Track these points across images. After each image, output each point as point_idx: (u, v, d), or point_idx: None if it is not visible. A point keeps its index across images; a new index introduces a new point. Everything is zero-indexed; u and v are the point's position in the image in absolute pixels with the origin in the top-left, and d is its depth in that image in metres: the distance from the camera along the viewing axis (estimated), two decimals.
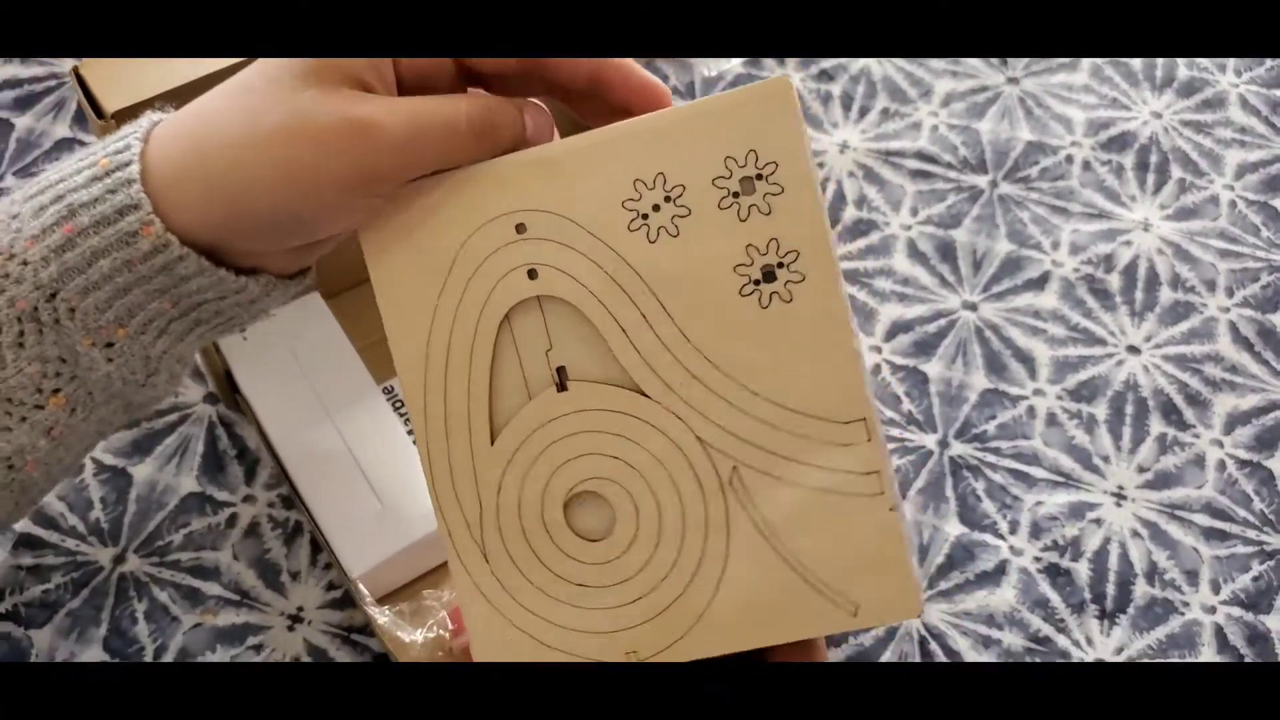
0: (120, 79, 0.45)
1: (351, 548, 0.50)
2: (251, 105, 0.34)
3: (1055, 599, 0.55)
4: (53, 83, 0.70)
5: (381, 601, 0.51)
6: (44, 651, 0.51)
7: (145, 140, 0.35)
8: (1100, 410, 0.60)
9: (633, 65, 0.36)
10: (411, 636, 0.50)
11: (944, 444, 0.59)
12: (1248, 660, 0.53)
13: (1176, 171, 0.70)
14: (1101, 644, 0.53)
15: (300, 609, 0.53)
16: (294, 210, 0.34)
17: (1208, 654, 0.53)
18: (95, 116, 0.44)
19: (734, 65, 0.72)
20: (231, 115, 0.34)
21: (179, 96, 0.45)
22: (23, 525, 0.55)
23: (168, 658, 0.51)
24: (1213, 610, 0.55)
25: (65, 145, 0.67)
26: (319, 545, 0.54)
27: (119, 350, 0.37)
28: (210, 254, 0.35)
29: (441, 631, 0.51)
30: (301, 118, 0.33)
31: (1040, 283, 0.65)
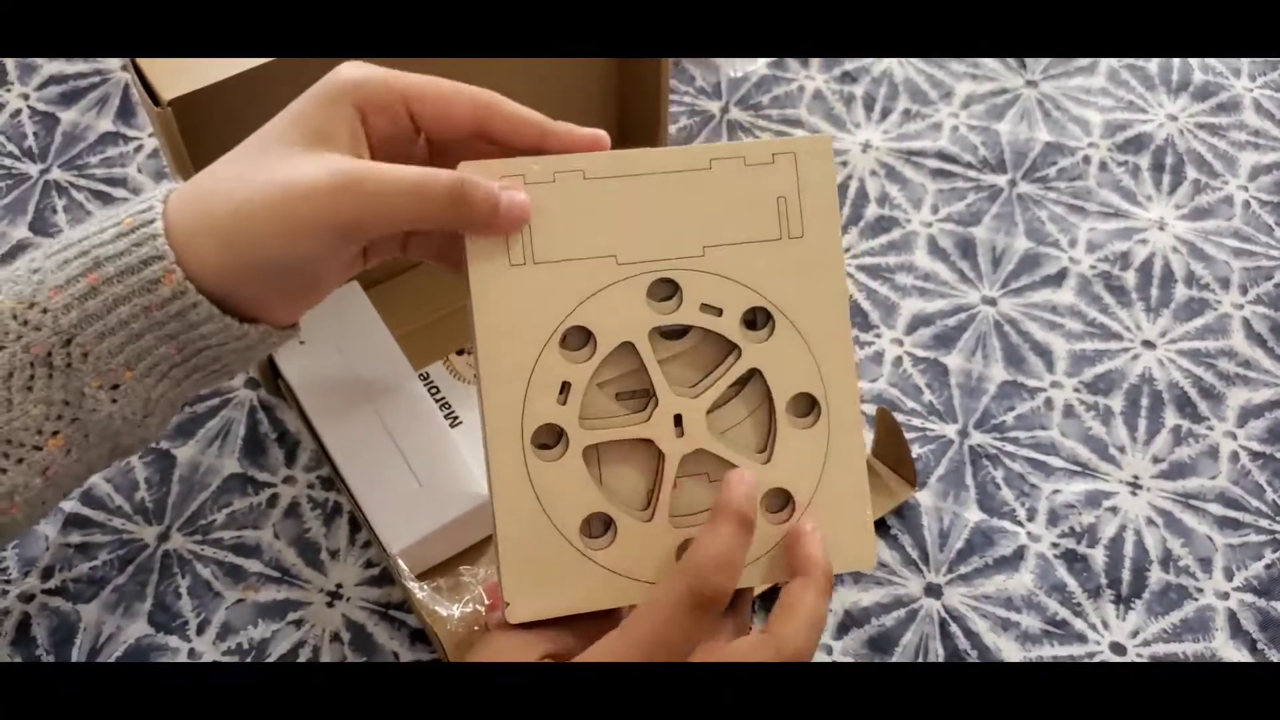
0: (176, 70, 0.47)
1: (391, 524, 0.52)
2: (251, 168, 0.38)
3: (1072, 583, 0.56)
4: (97, 79, 0.72)
5: (420, 578, 0.53)
6: (91, 625, 0.53)
7: (164, 202, 0.39)
8: (1116, 403, 0.62)
9: (572, 130, 0.41)
10: (448, 611, 0.52)
11: (964, 434, 0.60)
12: (1259, 644, 0.54)
13: (1191, 172, 0.71)
14: (1117, 627, 0.55)
15: (339, 586, 0.55)
16: (290, 257, 0.38)
17: (1221, 638, 0.55)
18: (153, 104, 0.46)
19: (759, 66, 0.74)
20: (234, 178, 0.39)
21: (231, 87, 0.47)
22: (71, 505, 0.56)
23: (210, 632, 0.53)
24: (1226, 596, 0.56)
25: (109, 139, 0.69)
26: (357, 525, 0.56)
27: (123, 392, 0.40)
28: (218, 303, 0.39)
29: (478, 607, 0.52)
30: (295, 176, 0.37)
31: (1058, 279, 0.66)
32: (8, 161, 0.68)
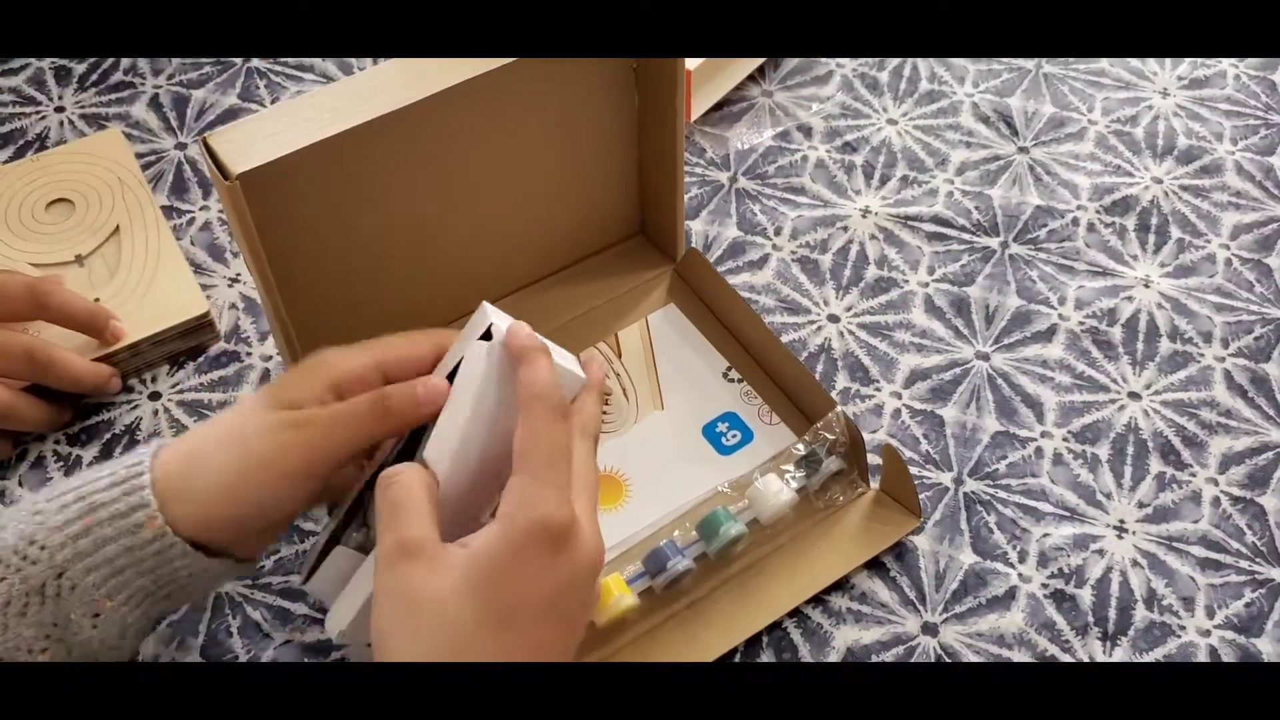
0: (243, 147, 0.51)
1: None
2: (227, 427, 0.48)
3: (1061, 622, 0.60)
4: (152, 158, 0.78)
5: None
6: (147, 657, 0.58)
7: (154, 458, 0.47)
8: (1103, 451, 0.66)
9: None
10: None
11: (959, 481, 0.64)
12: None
13: (1176, 232, 0.76)
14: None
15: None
16: (256, 499, 0.47)
17: None
18: (222, 179, 0.51)
19: (765, 139, 0.79)
20: (210, 436, 0.48)
21: (291, 162, 0.51)
22: None
23: None
24: (1208, 634, 0.60)
25: (166, 212, 0.75)
26: None
27: (103, 620, 0.47)
28: (191, 542, 0.47)
29: None
30: (256, 426, 0.47)
31: (1048, 335, 0.71)
32: None
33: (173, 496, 0.46)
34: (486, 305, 0.49)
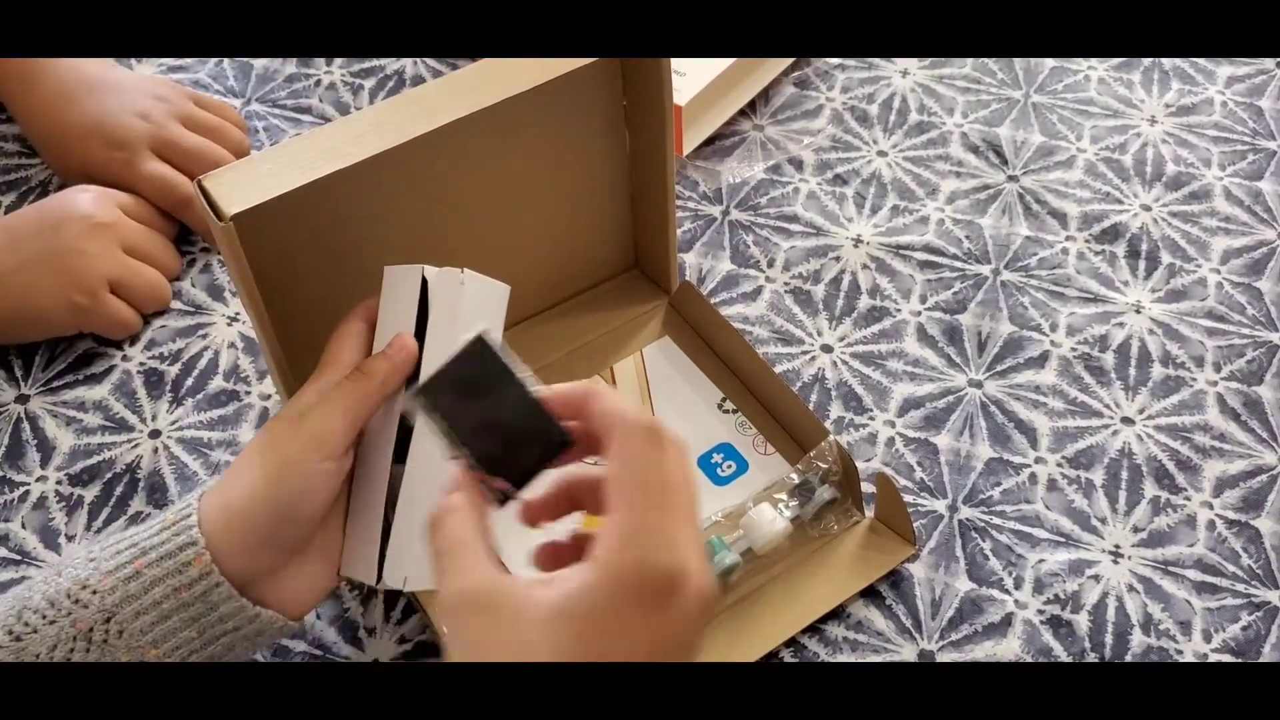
0: (238, 188, 0.52)
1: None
2: (252, 447, 0.51)
3: (1057, 647, 0.60)
4: None
5: None
6: None
7: (199, 501, 0.49)
8: (1097, 476, 0.66)
9: None
10: None
11: (953, 508, 0.65)
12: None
13: (1166, 258, 0.76)
14: None
15: (376, 662, 0.59)
16: (284, 494, 0.49)
17: None
18: (216, 220, 0.51)
19: (756, 173, 0.80)
20: (239, 462, 0.51)
21: (284, 203, 0.52)
22: None
23: None
24: (1205, 657, 0.60)
25: None
26: (393, 602, 0.61)
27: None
28: (238, 588, 0.48)
29: None
30: (270, 435, 0.50)
31: (1040, 361, 0.71)
32: None
33: (216, 530, 0.48)
34: (392, 269, 0.54)
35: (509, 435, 0.43)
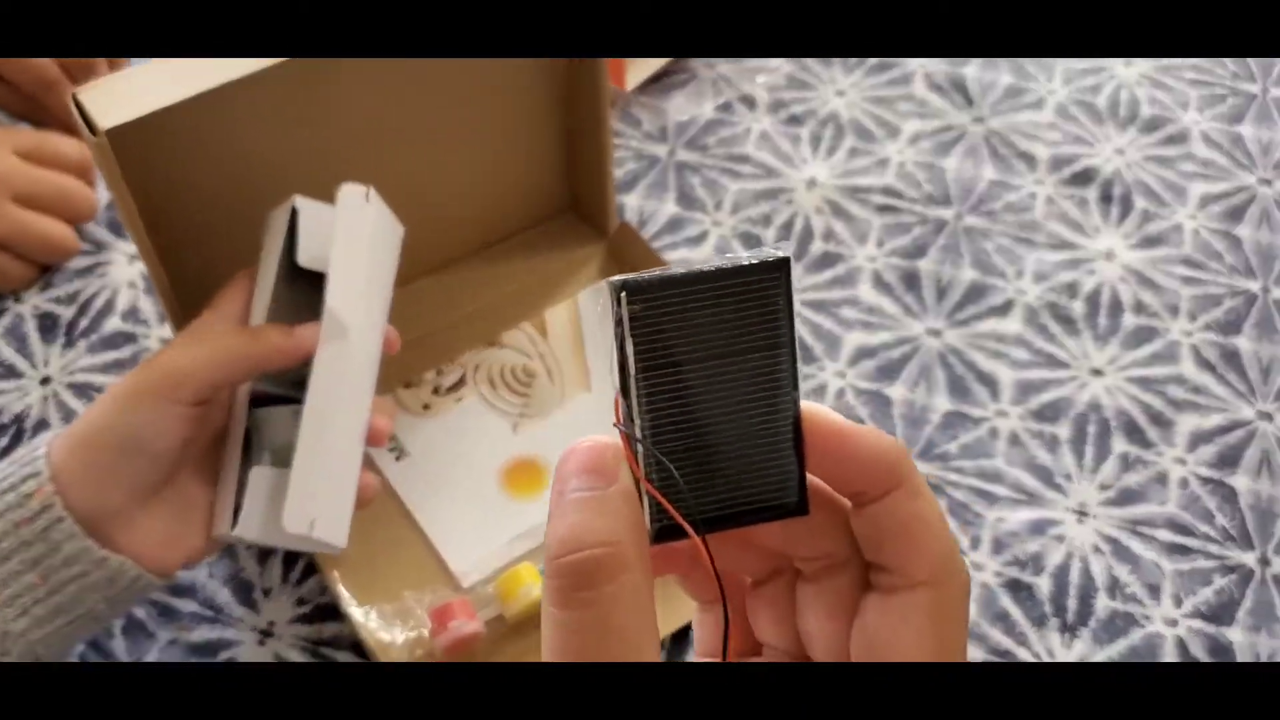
0: (115, 99, 0.47)
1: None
2: (111, 387, 0.48)
3: (1016, 612, 0.55)
4: None
5: (362, 602, 0.53)
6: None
7: (49, 444, 0.46)
8: (1063, 430, 0.61)
9: None
10: (391, 636, 0.51)
11: None
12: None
13: (1140, 203, 0.71)
14: (1063, 656, 0.54)
15: (271, 623, 0.54)
16: (131, 422, 0.46)
17: None
18: (90, 134, 0.46)
19: (706, 110, 0.75)
20: (96, 400, 0.48)
21: (162, 118, 0.47)
22: None
23: None
24: (1174, 623, 0.55)
25: None
26: (292, 562, 0.56)
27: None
28: (86, 527, 0.44)
29: (421, 630, 0.52)
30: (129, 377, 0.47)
31: (1004, 309, 0.66)
32: None
33: (61, 459, 0.45)
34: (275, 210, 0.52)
35: (736, 445, 0.27)
